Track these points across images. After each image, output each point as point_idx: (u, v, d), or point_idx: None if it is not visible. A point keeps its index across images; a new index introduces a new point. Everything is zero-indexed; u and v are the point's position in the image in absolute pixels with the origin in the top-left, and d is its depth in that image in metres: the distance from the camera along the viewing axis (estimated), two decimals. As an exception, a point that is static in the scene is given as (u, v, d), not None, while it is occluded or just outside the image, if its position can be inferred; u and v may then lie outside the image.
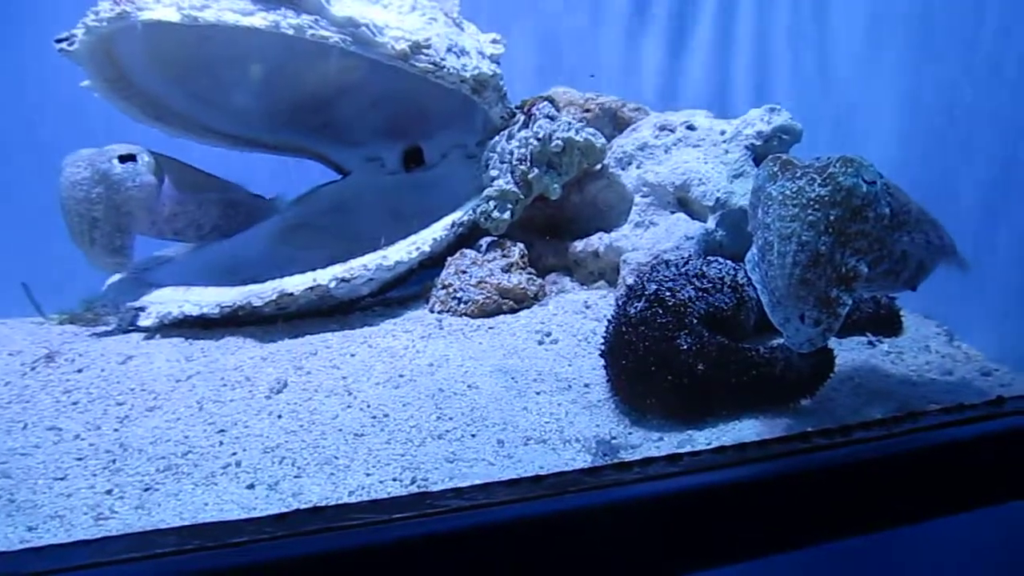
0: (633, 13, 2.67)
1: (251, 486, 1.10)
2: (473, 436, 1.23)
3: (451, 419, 1.28)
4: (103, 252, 1.78)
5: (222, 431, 1.26)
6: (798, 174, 1.06)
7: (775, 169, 1.08)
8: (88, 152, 1.77)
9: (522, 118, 1.97)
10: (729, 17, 2.63)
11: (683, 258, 1.53)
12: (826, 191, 1.03)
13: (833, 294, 1.04)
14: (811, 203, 1.03)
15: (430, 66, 1.80)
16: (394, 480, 1.10)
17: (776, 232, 1.05)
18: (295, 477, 1.12)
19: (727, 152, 1.85)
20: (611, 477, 0.99)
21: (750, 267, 1.12)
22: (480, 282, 1.78)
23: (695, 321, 1.31)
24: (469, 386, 1.39)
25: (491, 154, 1.97)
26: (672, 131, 1.96)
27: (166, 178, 1.91)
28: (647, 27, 2.67)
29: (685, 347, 1.24)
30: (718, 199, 1.79)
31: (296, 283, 1.70)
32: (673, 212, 1.88)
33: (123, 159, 1.79)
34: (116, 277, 1.90)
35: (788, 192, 1.05)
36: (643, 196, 1.91)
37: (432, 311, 1.80)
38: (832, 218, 1.03)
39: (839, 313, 1.04)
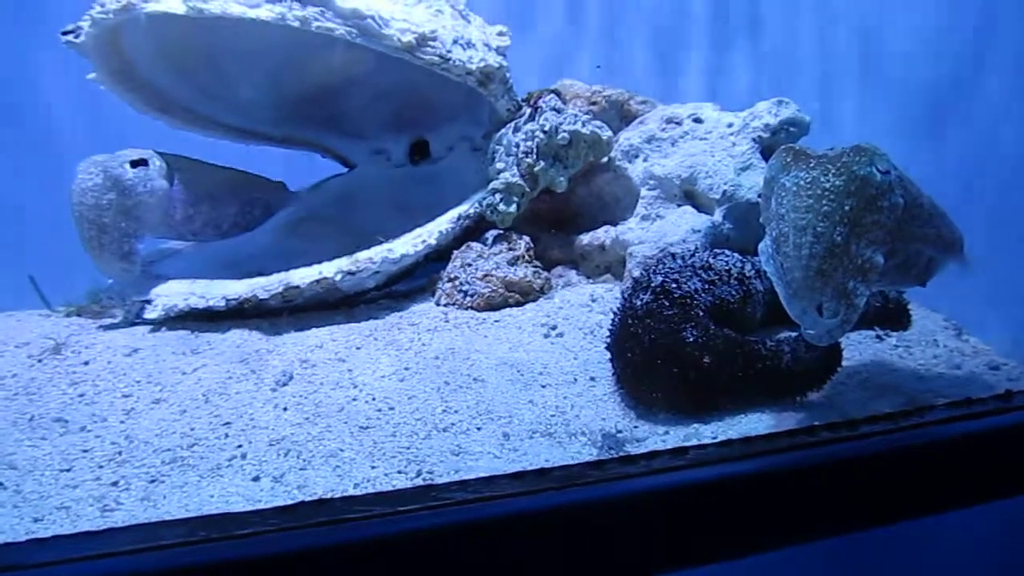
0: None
1: (257, 478, 1.10)
2: (479, 429, 1.23)
3: (457, 412, 1.28)
4: (112, 257, 1.77)
5: (228, 423, 1.27)
6: (812, 164, 1.05)
7: (788, 159, 1.07)
8: (101, 158, 1.77)
9: (528, 111, 1.96)
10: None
11: (689, 250, 1.53)
12: (840, 181, 1.02)
13: (850, 285, 1.03)
14: (826, 193, 1.02)
15: (436, 58, 1.80)
16: (399, 473, 1.10)
17: (791, 223, 1.04)
18: (300, 469, 1.12)
19: (734, 145, 1.84)
20: (616, 471, 0.99)
21: (764, 259, 1.11)
22: (486, 275, 1.78)
23: (701, 313, 1.30)
24: (475, 379, 1.38)
25: (497, 147, 1.96)
26: (679, 124, 1.96)
27: (178, 181, 1.90)
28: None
29: (691, 340, 1.24)
30: (725, 192, 1.79)
31: (302, 276, 1.70)
32: (680, 205, 1.87)
33: (135, 164, 1.78)
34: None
35: (802, 183, 1.04)
36: (650, 189, 1.90)
37: (438, 304, 1.80)
38: (847, 208, 1.02)
39: (857, 304, 1.03)
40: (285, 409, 1.31)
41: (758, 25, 2.57)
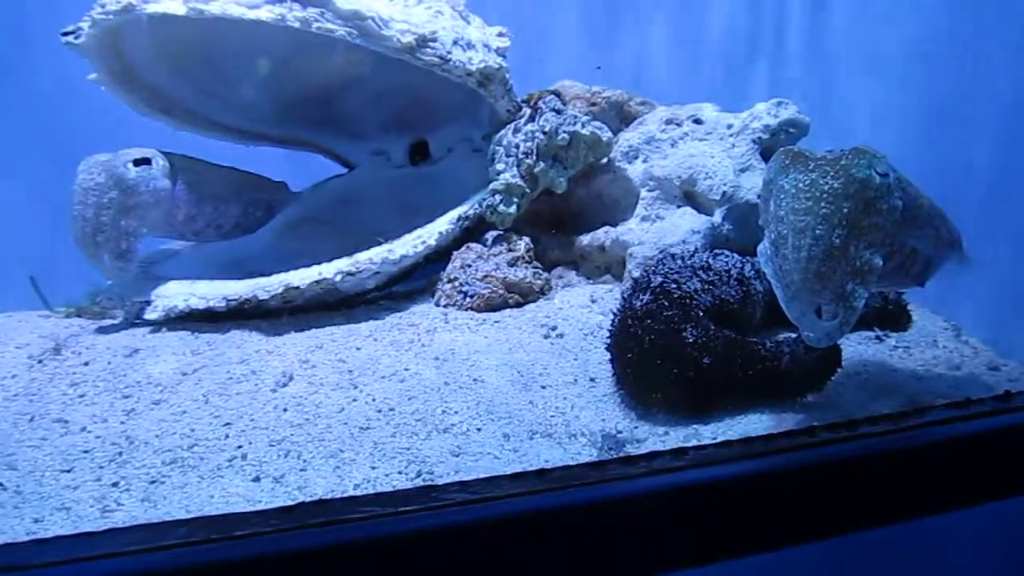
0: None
1: (257, 479, 1.10)
2: (479, 430, 1.23)
3: (456, 413, 1.28)
4: (107, 256, 1.76)
5: (228, 424, 1.27)
6: (810, 167, 1.05)
7: (787, 162, 1.07)
8: (103, 157, 1.76)
9: (528, 112, 1.97)
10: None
11: (689, 251, 1.53)
12: (839, 183, 1.02)
13: (849, 287, 1.03)
14: (824, 196, 1.02)
15: (436, 59, 1.80)
16: (399, 473, 1.10)
17: (790, 225, 1.04)
18: (301, 470, 1.12)
19: (734, 146, 1.85)
20: (616, 471, 0.99)
21: (763, 260, 1.11)
22: (486, 276, 1.78)
23: (701, 314, 1.30)
24: (475, 380, 1.39)
25: (497, 148, 1.96)
26: (679, 125, 1.96)
27: (181, 181, 1.89)
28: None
29: (691, 340, 1.24)
30: (724, 193, 1.79)
31: (302, 276, 1.70)
32: (679, 206, 1.87)
33: (138, 163, 1.77)
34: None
35: (801, 185, 1.04)
36: (649, 190, 1.90)
37: (438, 305, 1.80)
38: (846, 211, 1.02)
39: (855, 306, 1.03)
40: (285, 410, 1.31)
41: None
